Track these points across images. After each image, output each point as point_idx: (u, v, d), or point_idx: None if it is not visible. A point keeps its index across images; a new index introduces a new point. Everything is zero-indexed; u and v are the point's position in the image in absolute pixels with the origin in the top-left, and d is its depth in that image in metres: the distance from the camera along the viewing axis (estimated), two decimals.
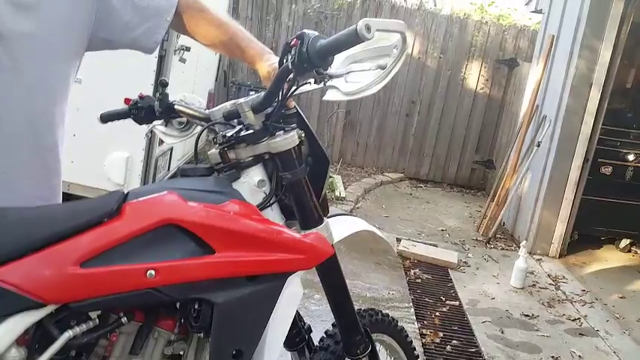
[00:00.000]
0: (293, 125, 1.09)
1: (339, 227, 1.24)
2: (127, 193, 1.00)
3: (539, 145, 4.15)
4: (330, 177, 4.98)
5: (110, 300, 0.92)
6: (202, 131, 1.16)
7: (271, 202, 1.08)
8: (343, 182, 5.33)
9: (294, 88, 0.99)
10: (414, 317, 2.82)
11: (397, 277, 3.37)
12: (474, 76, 6.09)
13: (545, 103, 4.35)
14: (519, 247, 3.56)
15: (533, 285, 3.48)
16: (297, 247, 1.02)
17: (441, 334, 2.67)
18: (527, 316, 3.02)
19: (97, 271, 0.90)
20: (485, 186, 6.13)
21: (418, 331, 2.66)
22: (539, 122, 4.34)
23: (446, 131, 6.24)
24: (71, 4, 1.02)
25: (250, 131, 1.05)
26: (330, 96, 1.03)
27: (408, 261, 3.66)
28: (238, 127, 1.07)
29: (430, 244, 4.05)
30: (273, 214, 1.10)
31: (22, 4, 0.96)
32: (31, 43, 0.97)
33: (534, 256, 4.01)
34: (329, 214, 1.23)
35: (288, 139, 1.07)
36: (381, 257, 3.54)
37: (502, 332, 2.78)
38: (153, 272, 0.92)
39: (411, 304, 3.00)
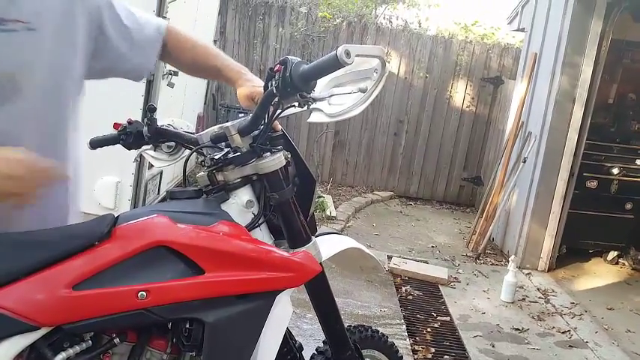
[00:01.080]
0: (279, 147, 1.13)
1: (327, 245, 1.27)
2: (118, 216, 1.03)
3: (525, 161, 4.23)
4: (321, 197, 5.01)
5: (103, 321, 0.94)
6: (191, 154, 1.19)
7: (260, 222, 1.12)
8: (334, 201, 5.36)
9: (279, 111, 1.03)
10: (406, 334, 2.83)
11: (388, 294, 3.39)
12: (460, 94, 6.21)
13: (530, 119, 4.45)
14: (508, 262, 3.60)
15: (523, 299, 3.52)
16: (285, 266, 1.05)
17: (432, 350, 2.68)
18: (517, 329, 3.04)
19: (89, 293, 0.93)
20: (474, 202, 6.20)
21: (410, 347, 2.67)
22: (525, 138, 4.43)
23: (434, 149, 6.32)
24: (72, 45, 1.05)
25: (238, 153, 1.09)
26: (315, 118, 1.07)
27: (399, 278, 3.68)
28: (226, 150, 1.11)
29: (421, 261, 4.08)
30: (262, 233, 1.13)
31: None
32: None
33: (523, 271, 4.06)
34: (317, 233, 1.26)
35: (275, 161, 1.10)
36: (373, 275, 3.56)
37: (493, 346, 2.80)
38: (144, 293, 0.94)
39: (403, 320, 3.01)
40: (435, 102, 6.20)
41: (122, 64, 1.16)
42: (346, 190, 6.11)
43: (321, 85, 1.05)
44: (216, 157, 1.09)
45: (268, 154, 1.10)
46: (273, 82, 0.94)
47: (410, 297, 3.41)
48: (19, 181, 0.90)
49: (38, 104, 1.02)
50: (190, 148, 1.18)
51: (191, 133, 1.20)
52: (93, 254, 0.96)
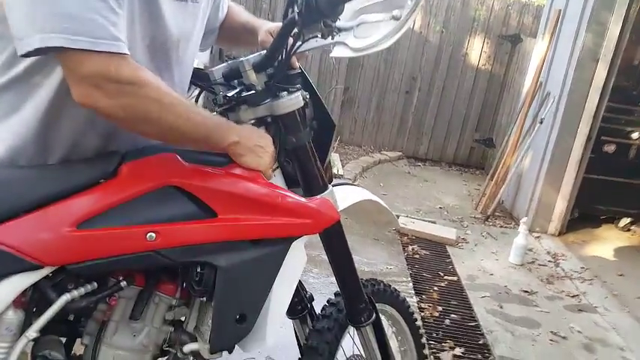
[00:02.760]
0: (297, 86, 1.06)
1: (342, 196, 1.22)
2: (125, 153, 0.97)
3: (541, 122, 4.12)
4: None
5: (109, 263, 0.90)
6: (201, 92, 1.13)
7: (274, 167, 1.06)
8: (341, 160, 5.30)
9: (299, 43, 0.96)
10: (413, 291, 2.83)
11: (395, 252, 3.37)
12: (476, 52, 6.02)
13: (550, 79, 4.31)
14: (518, 225, 3.57)
15: (532, 262, 3.50)
16: (302, 212, 1.00)
17: (439, 309, 2.68)
18: (526, 292, 3.03)
19: (95, 233, 0.88)
20: (484, 165, 6.12)
21: (417, 305, 2.67)
22: (543, 99, 4.31)
23: (446, 109, 6.19)
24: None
25: (252, 92, 1.02)
26: (338, 52, 1.00)
27: (406, 237, 3.66)
28: (239, 88, 1.04)
29: (428, 221, 4.05)
30: (276, 180, 1.08)
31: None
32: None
33: (533, 234, 4.03)
34: (333, 183, 1.21)
35: (292, 101, 1.04)
36: (380, 233, 3.54)
37: (501, 307, 2.79)
38: (153, 234, 0.90)
39: (410, 278, 3.01)
40: (449, 59, 6.03)
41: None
42: (354, 150, 6.04)
43: (347, 15, 0.96)
44: (229, 95, 1.02)
45: (285, 93, 1.03)
46: (295, 8, 0.86)
47: (417, 256, 3.39)
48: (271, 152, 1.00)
49: (186, 73, 1.07)
50: (200, 86, 1.12)
51: (201, 70, 1.13)
52: (98, 192, 0.91)
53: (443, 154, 6.33)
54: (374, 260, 3.17)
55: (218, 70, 1.08)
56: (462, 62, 6.03)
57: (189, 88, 1.17)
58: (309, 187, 1.09)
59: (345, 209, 1.22)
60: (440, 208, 4.57)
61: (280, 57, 0.98)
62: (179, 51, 1.01)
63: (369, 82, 6.09)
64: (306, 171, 1.09)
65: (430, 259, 3.37)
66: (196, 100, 1.13)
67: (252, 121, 1.06)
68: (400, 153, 6.20)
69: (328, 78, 5.95)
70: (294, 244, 1.02)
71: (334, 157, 5.14)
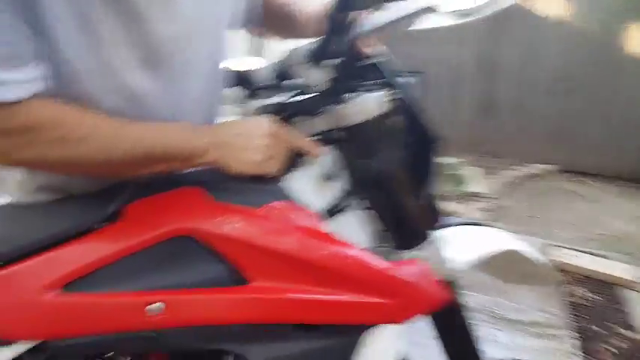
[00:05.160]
0: (380, 81, 0.74)
1: (461, 245, 0.86)
2: (136, 187, 0.74)
3: None
4: (456, 170, 4.45)
5: (97, 342, 0.66)
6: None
7: (343, 205, 0.75)
8: (484, 175, 4.77)
9: (372, 9, 0.65)
10: (579, 351, 2.27)
11: (551, 294, 2.81)
12: None
13: None
14: None
15: None
16: (381, 285, 0.67)
17: None
18: None
19: (79, 300, 0.66)
20: None
21: None
22: None
23: (616, 112, 5.28)
24: None
25: (309, 95, 0.73)
26: (426, 22, 0.66)
27: (568, 275, 3.05)
28: (290, 93, 0.75)
29: (596, 255, 3.36)
30: (347, 225, 0.76)
31: None
32: None
33: None
34: (443, 223, 0.86)
35: (368, 105, 0.72)
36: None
37: None
38: (157, 307, 0.65)
39: (573, 332, 2.44)
40: (618, 52, 5.15)
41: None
42: (496, 162, 5.44)
43: None
44: (276, 104, 0.74)
45: (354, 94, 0.72)
46: None
47: (582, 301, 2.80)
48: (273, 145, 0.76)
49: (209, 76, 0.93)
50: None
51: (242, 72, 0.87)
52: (88, 243, 0.69)
53: (614, 168, 5.39)
54: (523, 305, 2.66)
55: (266, 70, 0.81)
56: (633, 55, 5.10)
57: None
58: (400, 236, 0.76)
59: (465, 268, 0.86)
60: (611, 237, 3.81)
61: (341, 40, 0.68)
62: (186, 53, 0.81)
63: (514, 81, 5.44)
64: (394, 211, 0.76)
65: (600, 307, 2.76)
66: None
67: (313, 138, 0.76)
68: (557, 166, 5.42)
69: (456, 77, 5.45)
70: (371, 334, 0.69)
71: (475, 172, 4.64)
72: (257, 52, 2.25)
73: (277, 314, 0.65)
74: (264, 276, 0.64)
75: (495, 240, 0.99)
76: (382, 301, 0.65)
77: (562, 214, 4.16)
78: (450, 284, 0.76)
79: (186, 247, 0.67)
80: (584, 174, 5.36)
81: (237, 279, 0.65)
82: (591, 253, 3.37)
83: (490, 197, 4.23)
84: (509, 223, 3.87)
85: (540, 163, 5.40)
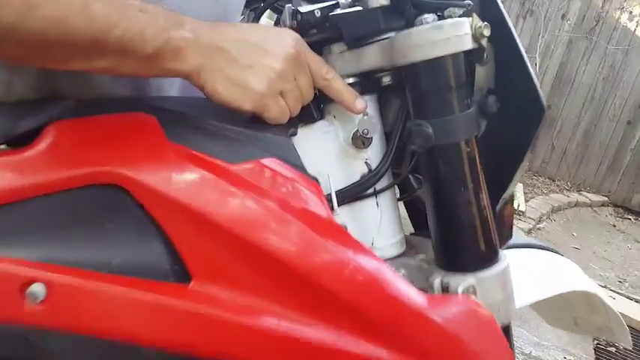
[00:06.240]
0: (459, 2, 0.46)
1: (526, 277, 0.60)
2: (78, 102, 0.50)
3: None
4: None
5: None
6: (261, 13, 0.60)
7: (371, 187, 0.49)
8: (525, 193, 4.45)
9: None
10: None
11: (580, 336, 2.51)
12: None
13: None
14: None
15: None
16: (409, 333, 0.40)
17: None
18: None
19: None
20: None
21: None
22: None
23: None
24: None
25: (355, 9, 0.47)
26: None
27: None
28: (329, 3, 0.49)
29: (635, 300, 3.03)
30: (376, 214, 0.51)
31: None
32: None
33: None
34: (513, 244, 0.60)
35: (440, 35, 0.45)
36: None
37: None
38: (38, 290, 0.40)
39: None
40: None
41: None
42: (544, 182, 5.14)
43: None
44: (303, 13, 0.48)
45: (428, 17, 0.45)
46: None
47: (612, 348, 2.51)
48: (291, 73, 0.51)
49: None
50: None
51: None
52: None
53: None
54: (547, 342, 2.38)
55: None
56: None
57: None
58: (452, 249, 0.49)
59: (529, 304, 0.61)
60: None
61: None
62: None
63: (580, 103, 5.08)
64: (452, 211, 0.49)
65: (628, 356, 2.46)
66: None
67: (351, 82, 0.50)
68: (606, 198, 5.07)
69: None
70: None
71: (517, 188, 4.31)
72: None
73: (224, 344, 0.39)
74: (218, 278, 0.39)
75: (566, 275, 0.74)
76: (399, 356, 0.39)
77: (602, 250, 3.86)
78: (505, 330, 0.49)
79: (112, 204, 0.42)
80: (627, 209, 5.00)
81: (176, 271, 0.40)
82: (628, 297, 3.07)
83: (530, 218, 3.93)
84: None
85: (590, 193, 5.05)
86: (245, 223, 0.39)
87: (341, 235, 0.42)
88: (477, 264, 0.48)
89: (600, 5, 4.84)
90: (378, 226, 0.51)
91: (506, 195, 0.53)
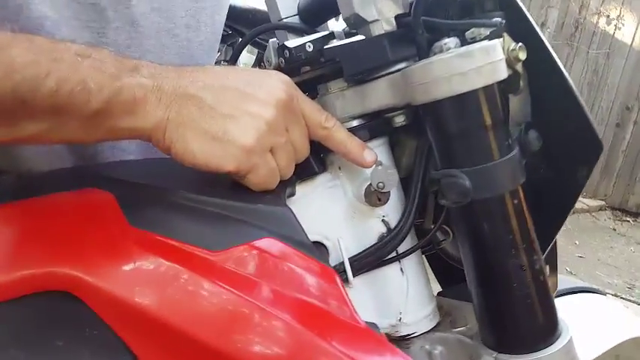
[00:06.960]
0: (486, 21, 0.37)
1: (581, 331, 0.50)
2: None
3: None
4: None
5: None
6: (242, 47, 0.51)
7: (398, 244, 0.40)
8: None
9: None
10: None
11: None
12: None
13: None
14: None
15: None
16: None
17: None
18: None
19: None
20: None
21: None
22: None
23: None
24: None
25: (357, 38, 0.38)
26: None
27: None
28: (321, 34, 0.40)
29: None
30: (400, 285, 0.41)
31: None
32: None
33: None
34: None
35: (473, 62, 0.36)
36: None
37: None
38: None
39: None
40: None
41: None
42: None
43: None
44: (297, 47, 0.39)
45: (451, 41, 0.35)
46: None
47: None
48: (283, 123, 0.41)
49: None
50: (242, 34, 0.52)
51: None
52: None
53: None
54: None
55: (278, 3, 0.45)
56: None
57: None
58: (507, 326, 0.39)
59: None
60: None
61: None
62: None
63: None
64: (500, 275, 0.39)
65: None
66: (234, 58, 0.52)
67: (356, 125, 0.40)
68: (602, 202, 5.00)
69: None
70: None
71: None
72: None
73: None
74: None
75: (616, 321, 0.64)
76: None
77: (606, 255, 3.78)
78: None
79: (61, 316, 0.31)
80: (625, 212, 4.95)
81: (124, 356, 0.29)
82: (637, 303, 2.99)
83: None
84: None
85: (587, 198, 4.99)
86: (228, 333, 0.29)
87: (358, 334, 0.32)
88: (535, 342, 0.38)
89: (577, 11, 4.86)
90: (405, 298, 0.41)
91: (553, 248, 0.44)
